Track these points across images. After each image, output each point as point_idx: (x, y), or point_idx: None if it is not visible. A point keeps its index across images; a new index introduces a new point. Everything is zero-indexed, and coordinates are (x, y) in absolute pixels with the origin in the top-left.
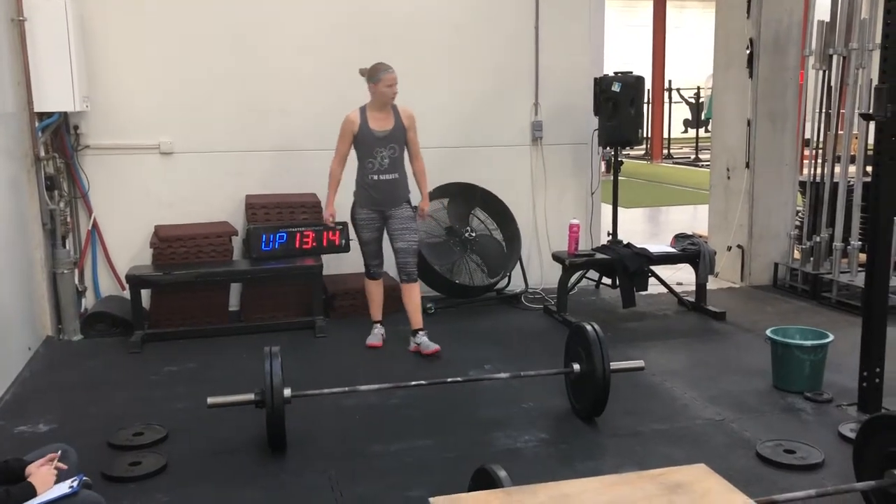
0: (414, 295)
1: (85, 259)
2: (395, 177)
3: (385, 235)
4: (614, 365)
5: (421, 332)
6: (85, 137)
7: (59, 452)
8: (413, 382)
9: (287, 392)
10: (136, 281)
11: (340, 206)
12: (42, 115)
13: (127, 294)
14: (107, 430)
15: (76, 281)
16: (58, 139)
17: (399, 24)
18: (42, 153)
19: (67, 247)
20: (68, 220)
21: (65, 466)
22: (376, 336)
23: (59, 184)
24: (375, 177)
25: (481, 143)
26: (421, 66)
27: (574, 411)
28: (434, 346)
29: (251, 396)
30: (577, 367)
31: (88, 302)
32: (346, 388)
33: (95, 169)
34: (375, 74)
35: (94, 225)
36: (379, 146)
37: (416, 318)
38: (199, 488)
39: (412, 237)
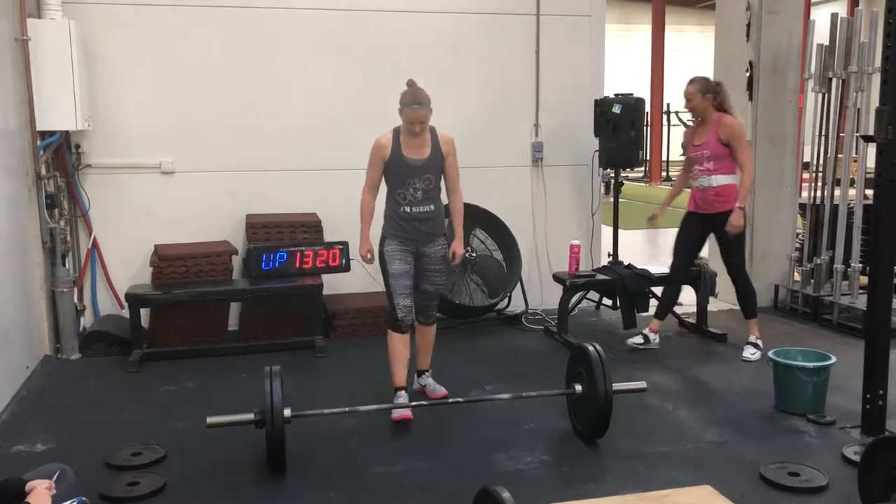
0: (428, 335)
1: (84, 278)
2: (430, 209)
3: None
4: (616, 386)
5: (426, 374)
6: (86, 156)
7: (58, 473)
8: (414, 403)
9: (287, 412)
10: (135, 300)
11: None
12: (44, 134)
13: (126, 313)
14: (105, 449)
15: (75, 300)
16: (59, 158)
17: (399, 44)
18: (43, 172)
19: (67, 265)
20: (68, 238)
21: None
22: (402, 405)
23: (60, 202)
24: (408, 209)
25: (482, 164)
26: (422, 86)
27: (576, 433)
28: (442, 391)
29: (251, 416)
30: (578, 388)
31: (87, 321)
32: (347, 409)
33: (96, 188)
34: (400, 103)
35: (94, 244)
36: (412, 176)
37: (425, 359)
38: None
39: (441, 280)
